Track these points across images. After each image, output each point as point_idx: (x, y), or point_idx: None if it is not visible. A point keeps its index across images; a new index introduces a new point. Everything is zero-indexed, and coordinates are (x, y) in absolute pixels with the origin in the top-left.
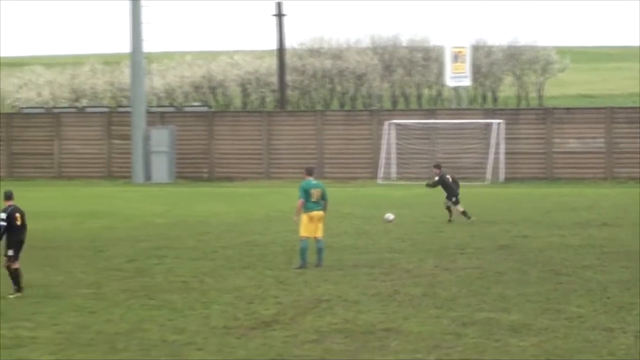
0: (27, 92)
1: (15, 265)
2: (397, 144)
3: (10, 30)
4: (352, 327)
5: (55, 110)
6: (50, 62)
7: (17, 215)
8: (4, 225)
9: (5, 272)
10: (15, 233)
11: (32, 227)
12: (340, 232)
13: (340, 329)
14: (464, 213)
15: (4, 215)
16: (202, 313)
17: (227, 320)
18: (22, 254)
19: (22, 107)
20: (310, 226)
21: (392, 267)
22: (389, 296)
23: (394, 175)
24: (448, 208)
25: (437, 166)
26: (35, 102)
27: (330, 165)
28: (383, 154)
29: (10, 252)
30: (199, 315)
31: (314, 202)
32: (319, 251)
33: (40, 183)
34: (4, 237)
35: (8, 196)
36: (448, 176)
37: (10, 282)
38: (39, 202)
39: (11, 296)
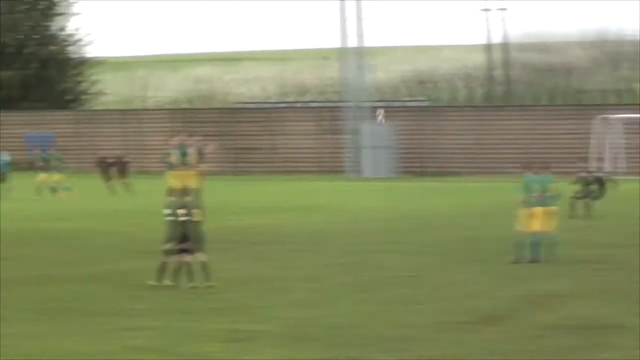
0: (248, 87)
1: (187, 259)
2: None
3: (227, 26)
4: (573, 322)
5: (279, 106)
6: (269, 58)
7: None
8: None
9: (222, 267)
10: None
11: (258, 221)
12: (562, 226)
13: (561, 325)
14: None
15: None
16: (421, 308)
17: (447, 316)
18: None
19: (243, 102)
20: (530, 221)
21: (619, 262)
22: (614, 291)
23: (621, 170)
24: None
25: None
26: (256, 97)
27: (557, 160)
28: (606, 149)
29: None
30: (418, 310)
31: (535, 197)
32: (539, 246)
33: (260, 177)
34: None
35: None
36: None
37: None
38: (263, 197)
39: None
